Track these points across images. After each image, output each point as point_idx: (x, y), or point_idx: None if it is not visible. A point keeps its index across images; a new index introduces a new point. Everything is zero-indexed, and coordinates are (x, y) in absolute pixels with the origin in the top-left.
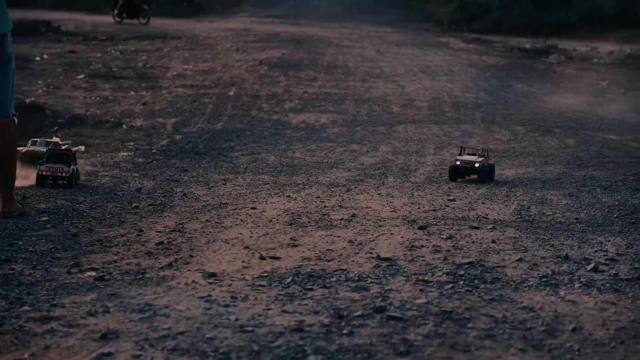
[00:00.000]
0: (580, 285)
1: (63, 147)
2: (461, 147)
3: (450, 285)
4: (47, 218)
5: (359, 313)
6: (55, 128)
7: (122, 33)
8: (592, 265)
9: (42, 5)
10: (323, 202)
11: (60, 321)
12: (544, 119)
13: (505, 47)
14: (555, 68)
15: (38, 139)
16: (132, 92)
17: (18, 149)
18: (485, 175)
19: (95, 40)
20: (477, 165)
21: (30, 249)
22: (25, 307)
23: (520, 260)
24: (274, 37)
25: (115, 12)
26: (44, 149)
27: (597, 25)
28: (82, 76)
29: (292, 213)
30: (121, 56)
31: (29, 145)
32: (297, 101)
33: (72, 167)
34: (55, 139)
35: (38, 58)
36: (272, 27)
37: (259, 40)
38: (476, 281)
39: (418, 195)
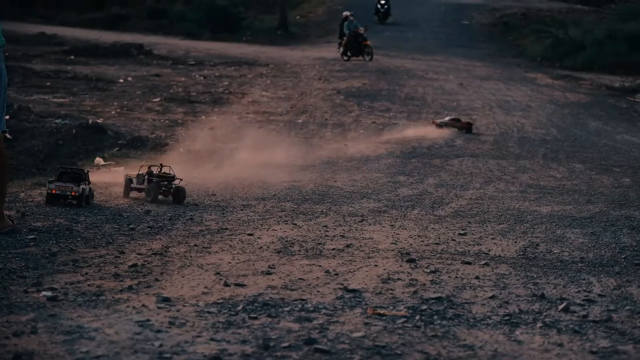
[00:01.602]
0: (542, 325)
1: None
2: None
3: (403, 319)
4: (34, 236)
5: (286, 344)
6: (115, 149)
7: (212, 58)
8: (563, 305)
9: (139, 29)
10: (328, 231)
11: None
12: (607, 157)
13: (593, 84)
14: (638, 107)
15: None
16: (203, 117)
17: None
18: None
19: (183, 65)
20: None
21: (0, 267)
22: None
23: (492, 297)
24: (360, 67)
25: (342, 49)
26: None
27: None
28: (158, 99)
29: (287, 241)
30: (204, 81)
31: None
32: (361, 131)
33: (82, 186)
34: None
35: (121, 80)
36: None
37: (344, 70)
38: (435, 317)
39: (432, 228)
